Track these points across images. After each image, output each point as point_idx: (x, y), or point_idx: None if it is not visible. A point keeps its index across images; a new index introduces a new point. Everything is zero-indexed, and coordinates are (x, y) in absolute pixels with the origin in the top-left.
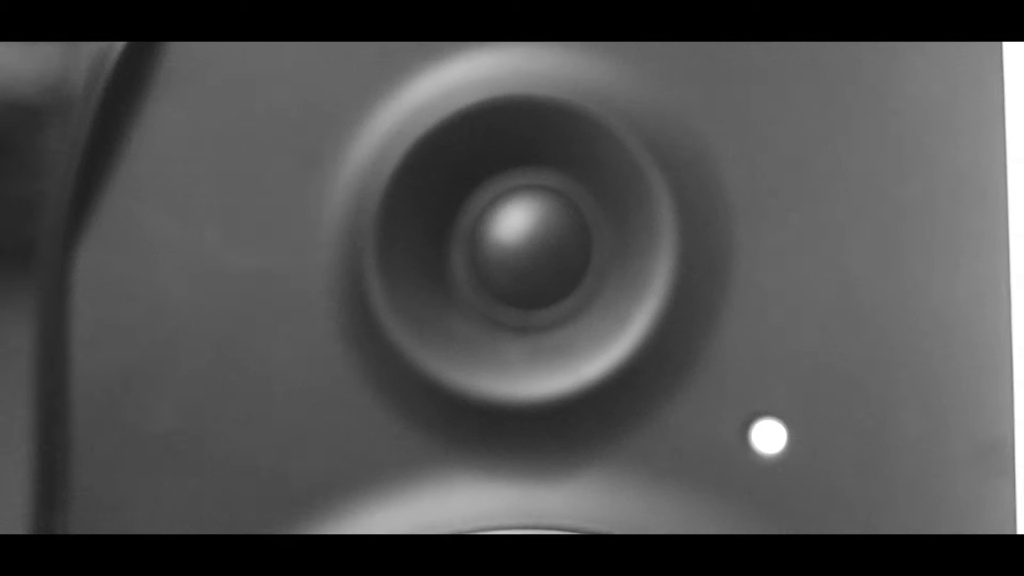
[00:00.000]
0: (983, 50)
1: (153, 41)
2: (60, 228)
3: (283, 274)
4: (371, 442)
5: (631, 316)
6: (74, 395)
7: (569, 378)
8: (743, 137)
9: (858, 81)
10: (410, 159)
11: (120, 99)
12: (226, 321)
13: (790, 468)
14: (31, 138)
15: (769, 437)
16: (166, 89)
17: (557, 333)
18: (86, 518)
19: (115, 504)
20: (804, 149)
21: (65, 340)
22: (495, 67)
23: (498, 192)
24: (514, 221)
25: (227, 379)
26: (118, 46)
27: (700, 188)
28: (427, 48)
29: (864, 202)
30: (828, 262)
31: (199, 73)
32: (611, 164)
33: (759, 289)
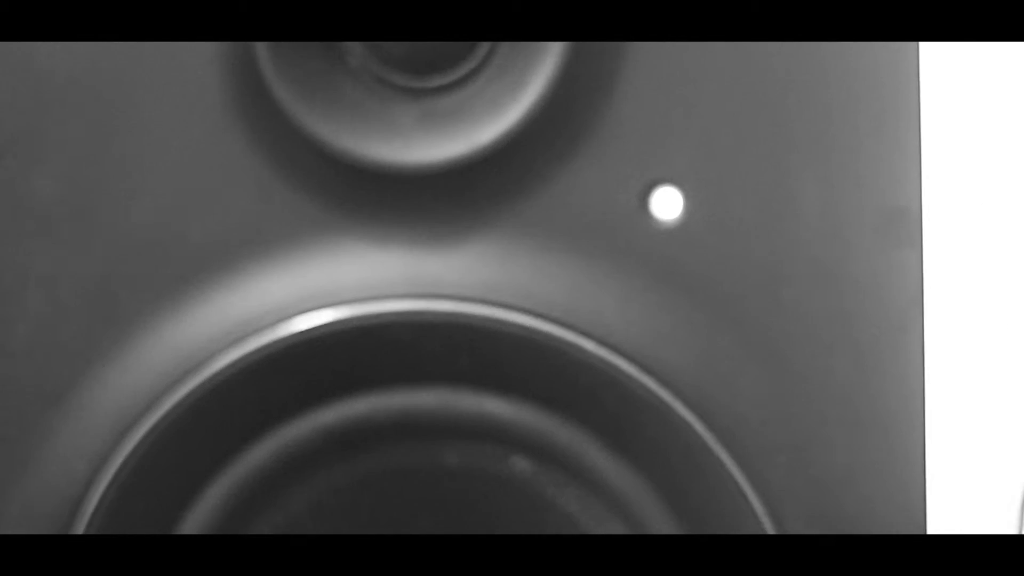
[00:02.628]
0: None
1: None
2: None
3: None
4: (259, 210)
5: (527, 79)
6: None
7: (463, 142)
8: None
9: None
10: None
11: None
12: (108, 89)
13: (687, 234)
14: None
15: (666, 203)
16: None
17: (451, 96)
18: None
19: None
20: None
21: None
22: None
23: None
24: None
25: (110, 148)
26: None
27: None
28: None
29: None
30: None
31: None
32: None
33: (658, 54)
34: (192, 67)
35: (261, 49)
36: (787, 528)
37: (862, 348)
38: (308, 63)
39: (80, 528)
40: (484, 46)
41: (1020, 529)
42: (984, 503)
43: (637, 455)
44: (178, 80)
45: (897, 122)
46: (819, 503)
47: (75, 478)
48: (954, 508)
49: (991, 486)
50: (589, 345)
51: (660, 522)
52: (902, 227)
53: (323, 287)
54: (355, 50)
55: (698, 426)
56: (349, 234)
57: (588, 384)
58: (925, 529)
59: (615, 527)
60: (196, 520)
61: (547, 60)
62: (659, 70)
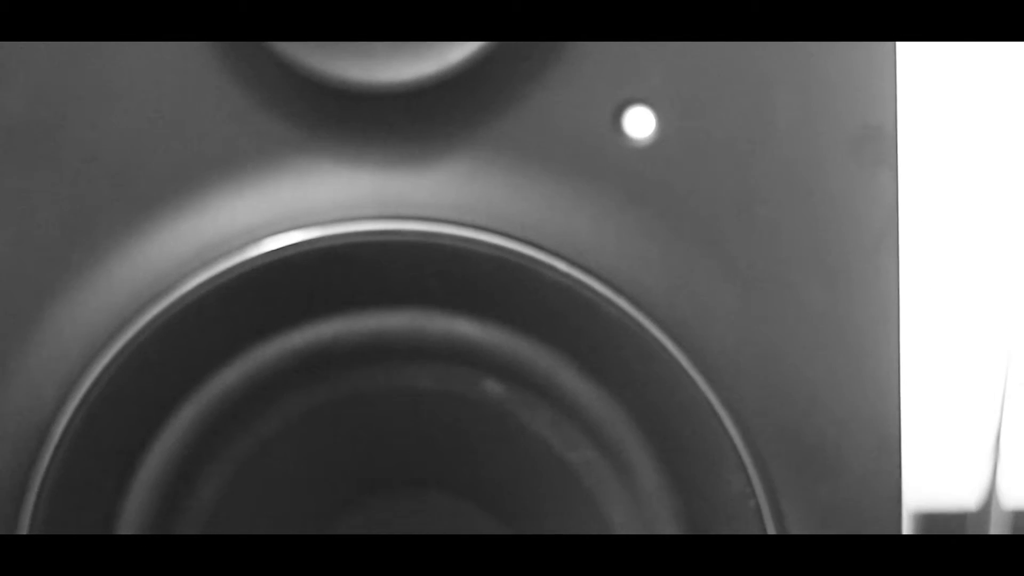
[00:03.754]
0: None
1: None
2: None
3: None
4: (229, 131)
5: None
6: None
7: (433, 62)
8: None
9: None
10: None
11: None
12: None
13: (660, 154)
14: None
15: (639, 123)
16: None
17: None
18: None
19: None
20: None
21: None
22: None
23: None
24: None
25: (79, 69)
26: None
27: None
28: None
29: None
30: None
31: None
32: None
33: None
34: None
35: None
36: (760, 448)
37: (837, 268)
38: None
39: (48, 450)
40: None
41: (994, 455)
42: (959, 424)
43: (610, 377)
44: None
45: (872, 40)
46: (792, 424)
47: (44, 401)
48: (928, 429)
49: (966, 407)
50: (561, 265)
51: (633, 444)
52: (877, 146)
53: (293, 209)
54: None
55: (671, 347)
56: (319, 155)
57: (560, 306)
58: (899, 449)
59: (588, 450)
60: (165, 444)
61: None
62: None
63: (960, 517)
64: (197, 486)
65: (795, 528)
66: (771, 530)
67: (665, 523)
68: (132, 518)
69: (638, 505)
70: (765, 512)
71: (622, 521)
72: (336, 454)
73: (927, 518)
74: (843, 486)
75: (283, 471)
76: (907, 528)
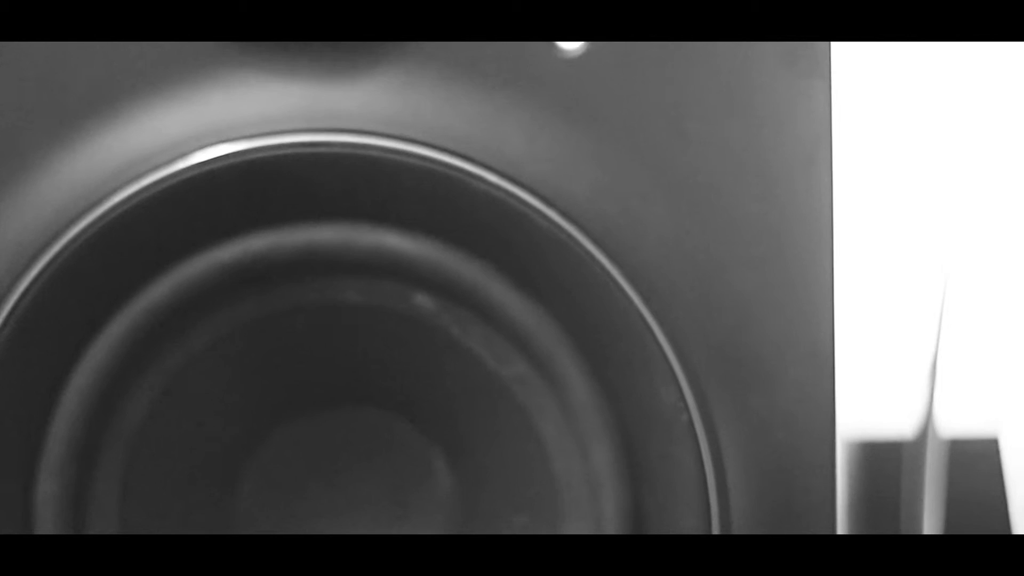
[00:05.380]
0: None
1: None
2: None
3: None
4: (156, 43)
5: None
6: None
7: None
8: None
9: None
10: None
11: None
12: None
13: (592, 65)
14: None
15: None
16: None
17: None
18: None
19: None
20: None
21: None
22: None
23: None
24: None
25: None
26: None
27: None
28: None
29: None
30: None
31: None
32: None
33: None
34: None
35: None
36: (692, 360)
37: (769, 181)
38: None
39: None
40: None
41: (931, 383)
42: (894, 353)
43: (541, 291)
44: None
45: None
46: (725, 336)
47: None
48: (863, 358)
49: (902, 335)
50: (491, 177)
51: (565, 358)
52: (810, 57)
53: (221, 122)
54: None
55: (603, 259)
56: (247, 68)
57: (491, 218)
58: (833, 363)
59: (520, 365)
60: (95, 358)
61: None
62: None
63: (896, 446)
64: (127, 401)
65: (727, 441)
66: (703, 443)
67: (597, 437)
68: (62, 432)
69: (570, 419)
70: (697, 425)
71: (554, 435)
72: (266, 369)
73: (863, 447)
74: (776, 399)
75: (213, 386)
76: (842, 457)
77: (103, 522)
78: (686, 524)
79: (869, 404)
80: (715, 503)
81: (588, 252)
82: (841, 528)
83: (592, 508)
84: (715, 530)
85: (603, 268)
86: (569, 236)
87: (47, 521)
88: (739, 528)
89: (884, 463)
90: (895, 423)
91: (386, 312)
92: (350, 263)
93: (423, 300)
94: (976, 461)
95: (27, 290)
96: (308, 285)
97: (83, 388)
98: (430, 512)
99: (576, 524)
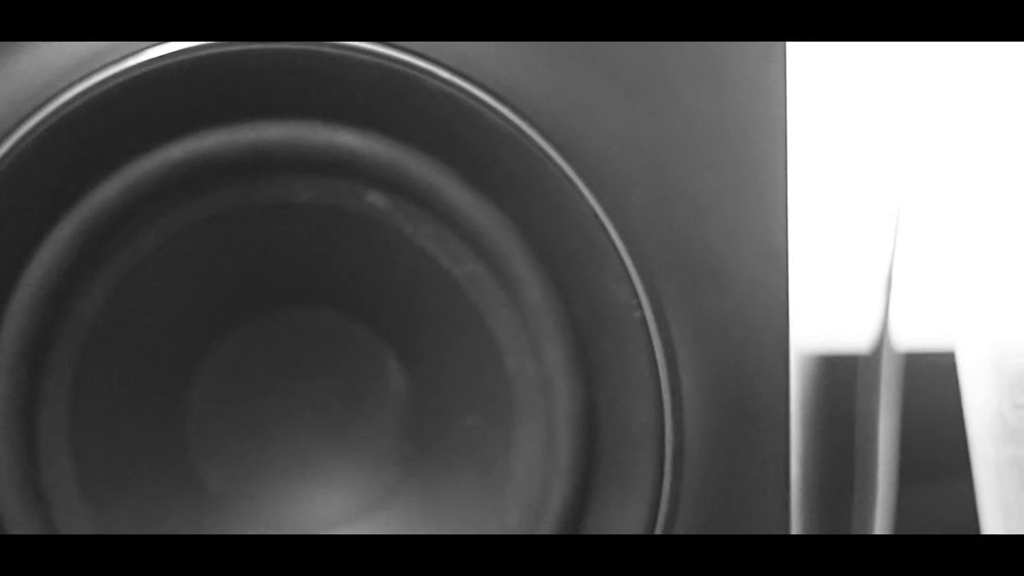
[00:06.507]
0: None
1: None
2: None
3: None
4: None
5: None
6: None
7: None
8: None
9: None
10: None
11: None
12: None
13: None
14: None
15: None
16: None
17: None
18: None
19: None
20: None
21: None
22: None
23: None
24: None
25: None
26: None
27: None
28: None
29: None
30: None
31: None
32: None
33: None
34: None
35: None
36: (645, 258)
37: (724, 77)
38: None
39: None
40: None
41: (886, 296)
42: (849, 265)
43: (494, 188)
44: None
45: None
46: (679, 234)
47: None
48: (817, 271)
49: (857, 248)
50: (443, 73)
51: (518, 256)
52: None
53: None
54: None
55: (555, 156)
56: None
57: (443, 115)
58: (786, 261)
59: (473, 264)
60: (43, 258)
61: None
62: None
63: (852, 360)
64: (78, 301)
65: (680, 338)
66: (655, 340)
67: (549, 335)
68: (11, 333)
69: (523, 318)
70: (650, 322)
71: (507, 333)
72: (218, 269)
73: (819, 361)
74: (729, 297)
75: (164, 287)
76: (798, 372)
77: (53, 417)
78: (638, 420)
79: (825, 319)
80: (668, 401)
81: (540, 148)
82: (795, 440)
83: (545, 406)
84: (667, 429)
85: (556, 164)
86: (522, 132)
87: None
88: (691, 426)
89: (840, 377)
90: (851, 337)
91: (339, 211)
92: (302, 161)
93: (376, 198)
94: (932, 375)
95: None
96: (259, 184)
97: (33, 288)
98: (383, 412)
99: (528, 422)
